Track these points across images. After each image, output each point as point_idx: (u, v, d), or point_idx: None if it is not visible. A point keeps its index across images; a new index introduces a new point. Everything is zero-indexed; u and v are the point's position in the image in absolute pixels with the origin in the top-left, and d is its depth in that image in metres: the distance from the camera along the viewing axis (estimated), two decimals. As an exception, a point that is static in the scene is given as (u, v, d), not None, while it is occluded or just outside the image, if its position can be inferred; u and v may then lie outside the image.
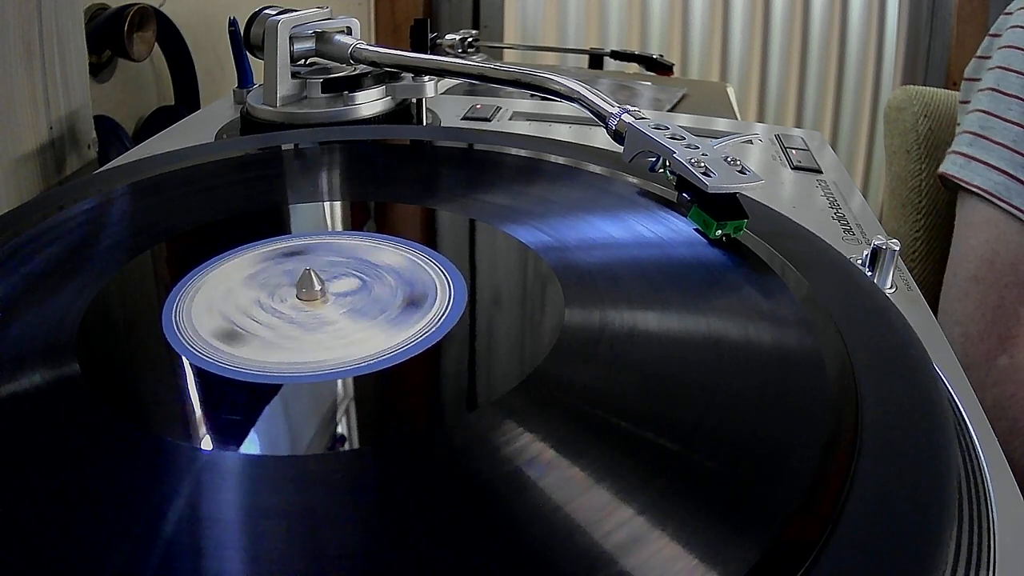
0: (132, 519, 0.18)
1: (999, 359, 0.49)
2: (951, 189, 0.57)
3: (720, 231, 0.31)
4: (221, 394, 0.23)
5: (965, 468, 0.23)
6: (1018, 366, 0.48)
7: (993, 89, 0.55)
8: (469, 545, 0.18)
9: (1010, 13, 0.59)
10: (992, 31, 0.61)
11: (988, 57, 0.59)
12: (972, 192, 0.53)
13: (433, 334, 0.25)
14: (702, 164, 0.32)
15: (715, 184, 0.31)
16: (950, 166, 0.55)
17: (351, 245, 0.31)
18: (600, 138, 0.40)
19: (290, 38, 0.51)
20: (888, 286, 0.34)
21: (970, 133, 0.55)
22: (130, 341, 0.27)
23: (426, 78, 0.51)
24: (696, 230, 0.32)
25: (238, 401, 0.23)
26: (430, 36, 0.69)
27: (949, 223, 0.58)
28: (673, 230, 0.32)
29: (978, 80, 0.59)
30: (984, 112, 0.54)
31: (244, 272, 0.29)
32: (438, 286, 0.28)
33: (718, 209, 0.31)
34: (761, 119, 1.54)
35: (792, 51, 1.50)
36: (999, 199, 0.51)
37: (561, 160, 0.40)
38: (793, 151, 0.52)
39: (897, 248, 0.34)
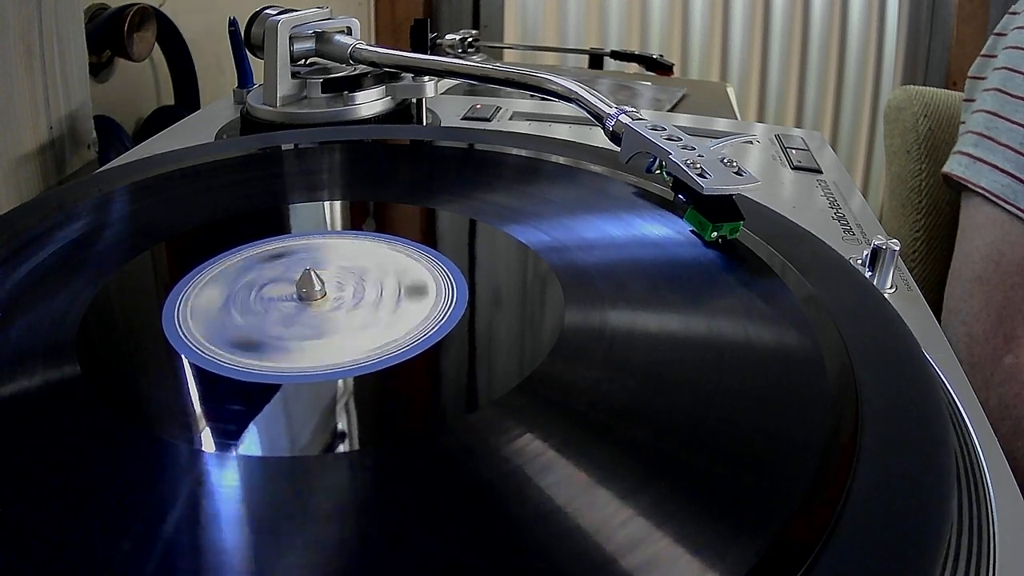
0: (132, 519, 0.18)
1: (1004, 359, 0.49)
2: (955, 189, 0.57)
3: (716, 233, 0.30)
4: (221, 394, 0.23)
5: (965, 468, 0.23)
6: (1023, 366, 0.48)
7: (999, 90, 0.55)
8: (469, 545, 0.18)
9: (1015, 13, 0.58)
10: (997, 30, 0.61)
11: (993, 56, 0.59)
12: (977, 193, 0.53)
13: (433, 334, 0.25)
14: (698, 165, 0.31)
15: (711, 186, 0.30)
16: (955, 166, 0.55)
17: (351, 245, 0.31)
18: (600, 138, 0.40)
19: (290, 38, 0.51)
20: (888, 286, 0.34)
21: (975, 133, 0.55)
22: (130, 341, 0.27)
23: (426, 78, 0.51)
24: (692, 231, 0.32)
25: (238, 401, 0.23)
26: (430, 36, 0.69)
27: (949, 223, 0.58)
28: (673, 230, 0.32)
29: (983, 79, 0.59)
30: (989, 113, 0.54)
31: (244, 272, 0.29)
32: (438, 286, 0.28)
33: (714, 211, 0.31)
34: (761, 119, 1.54)
35: (792, 51, 1.50)
36: (1005, 201, 0.51)
37: (561, 160, 0.40)
38: (793, 151, 0.52)
39: (897, 248, 0.34)
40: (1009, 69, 0.55)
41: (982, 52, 0.61)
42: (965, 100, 0.61)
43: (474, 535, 0.18)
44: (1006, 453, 0.24)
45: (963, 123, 0.59)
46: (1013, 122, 0.53)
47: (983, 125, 0.54)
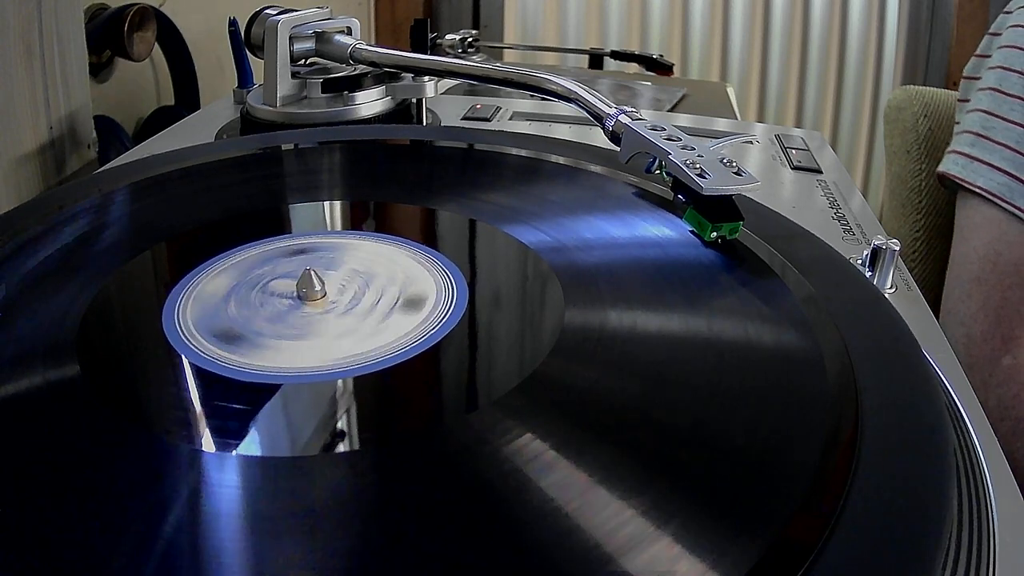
0: (132, 519, 0.18)
1: (1003, 360, 0.49)
2: (950, 189, 0.57)
3: (715, 233, 0.30)
4: (221, 394, 0.23)
5: (965, 468, 0.23)
6: (1022, 367, 0.48)
7: (994, 89, 0.55)
8: (469, 545, 0.18)
9: (1010, 12, 0.59)
10: (991, 29, 0.61)
11: (987, 56, 0.59)
12: (974, 193, 0.53)
13: (433, 334, 0.25)
14: (697, 166, 0.31)
15: (710, 186, 0.30)
16: (951, 166, 0.55)
17: (351, 245, 0.31)
18: (600, 138, 0.40)
19: (290, 38, 0.51)
20: (888, 286, 0.34)
21: (971, 133, 0.55)
22: (130, 341, 0.27)
23: (426, 78, 0.51)
24: (691, 232, 0.32)
25: (238, 401, 0.23)
26: (430, 36, 0.69)
27: (949, 223, 0.58)
28: (673, 230, 0.32)
29: (977, 79, 0.59)
30: (985, 112, 0.54)
31: (244, 272, 0.29)
32: (438, 286, 0.28)
33: (714, 211, 0.31)
34: (761, 119, 1.54)
35: (792, 51, 1.50)
36: (1002, 200, 0.51)
37: (561, 160, 0.40)
38: (793, 151, 0.52)
39: (897, 248, 0.34)
40: (1004, 68, 0.55)
41: (976, 52, 0.61)
42: (960, 100, 0.61)
43: (474, 535, 0.18)
44: (1006, 453, 0.24)
45: (958, 123, 0.59)
46: (1010, 121, 0.53)
47: (979, 124, 0.54)
